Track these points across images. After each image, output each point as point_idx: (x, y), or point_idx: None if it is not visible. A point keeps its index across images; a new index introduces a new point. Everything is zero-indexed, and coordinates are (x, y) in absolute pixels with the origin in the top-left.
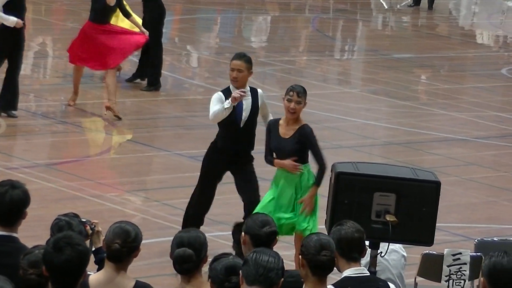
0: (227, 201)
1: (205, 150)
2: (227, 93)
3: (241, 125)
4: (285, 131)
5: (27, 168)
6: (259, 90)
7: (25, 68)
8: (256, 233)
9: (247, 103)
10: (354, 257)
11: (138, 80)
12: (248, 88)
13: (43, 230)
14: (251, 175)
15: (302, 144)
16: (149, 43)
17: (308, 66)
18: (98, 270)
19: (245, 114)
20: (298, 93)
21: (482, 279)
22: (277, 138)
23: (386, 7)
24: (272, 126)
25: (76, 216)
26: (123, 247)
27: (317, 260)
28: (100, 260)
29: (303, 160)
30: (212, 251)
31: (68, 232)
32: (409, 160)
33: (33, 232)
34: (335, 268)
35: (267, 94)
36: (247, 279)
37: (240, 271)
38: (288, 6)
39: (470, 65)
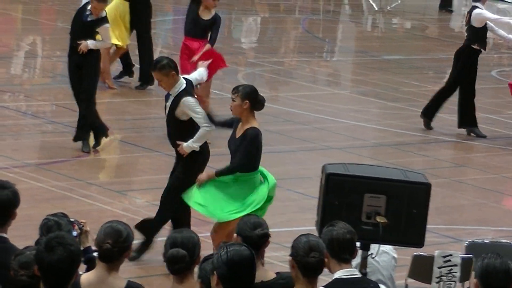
0: None
1: None
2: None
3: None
4: (238, 130)
5: (17, 168)
6: (184, 99)
7: (15, 68)
8: (247, 235)
9: (169, 103)
10: (345, 258)
11: (126, 79)
12: (176, 92)
13: (33, 230)
14: (173, 179)
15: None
16: (142, 41)
17: (297, 67)
18: (86, 269)
19: (166, 113)
20: (233, 90)
21: (474, 280)
22: (232, 136)
23: (376, 8)
24: (235, 124)
25: (64, 216)
26: (114, 247)
27: (306, 262)
28: (88, 260)
29: (249, 168)
30: (202, 251)
31: (61, 232)
32: (398, 161)
33: (22, 232)
34: (326, 269)
35: None
36: (224, 282)
37: (215, 272)
38: (278, 7)
39: None
